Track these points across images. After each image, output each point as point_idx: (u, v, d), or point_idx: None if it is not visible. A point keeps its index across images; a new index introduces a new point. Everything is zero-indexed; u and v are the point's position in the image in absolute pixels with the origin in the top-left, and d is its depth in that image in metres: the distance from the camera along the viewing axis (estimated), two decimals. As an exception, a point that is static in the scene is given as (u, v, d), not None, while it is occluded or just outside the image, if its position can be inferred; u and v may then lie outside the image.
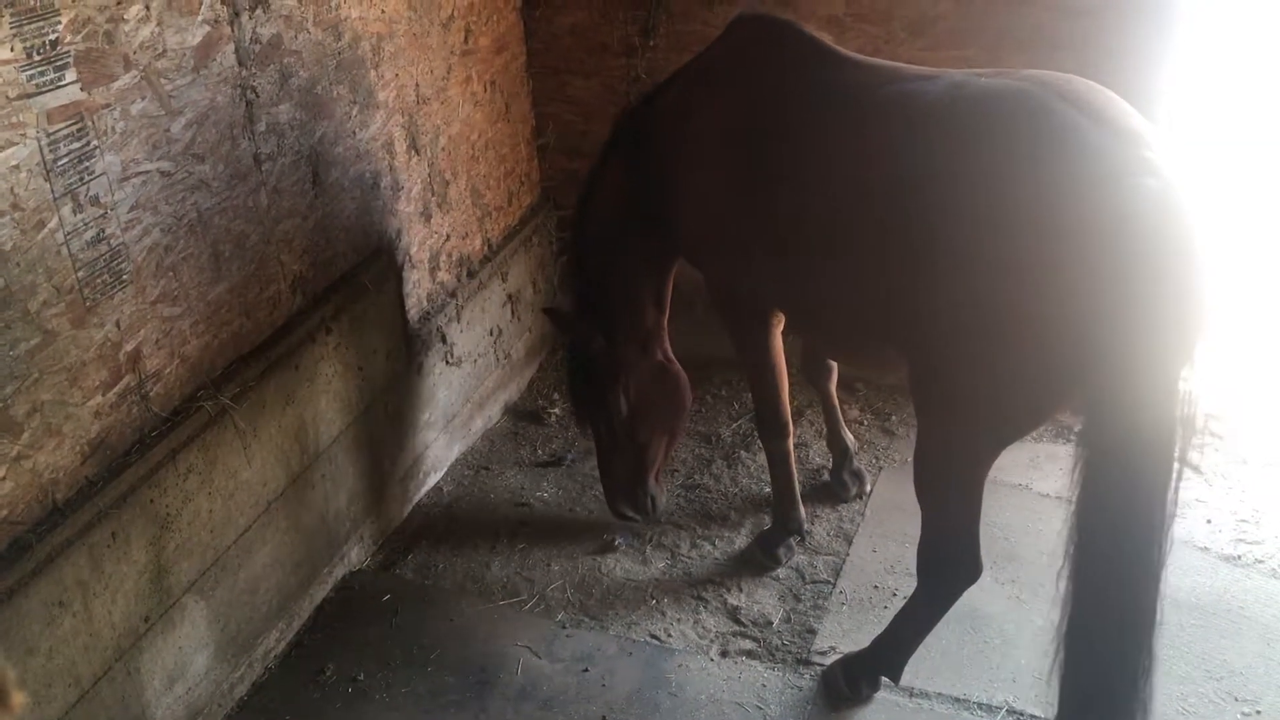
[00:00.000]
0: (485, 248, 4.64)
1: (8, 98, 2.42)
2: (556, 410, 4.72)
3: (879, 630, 3.26)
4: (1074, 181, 2.44)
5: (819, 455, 4.31)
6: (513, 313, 4.81)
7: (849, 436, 4.14)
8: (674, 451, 4.05)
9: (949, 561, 3.00)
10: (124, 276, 2.80)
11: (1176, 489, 2.55)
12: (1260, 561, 3.66)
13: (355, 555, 3.86)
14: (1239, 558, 3.68)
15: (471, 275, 4.52)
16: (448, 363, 4.33)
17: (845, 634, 3.48)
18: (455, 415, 4.43)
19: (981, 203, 2.54)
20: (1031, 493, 4.02)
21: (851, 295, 2.95)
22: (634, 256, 3.77)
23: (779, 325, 3.62)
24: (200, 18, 2.95)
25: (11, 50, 2.41)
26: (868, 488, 4.12)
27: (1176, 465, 2.54)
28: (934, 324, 2.68)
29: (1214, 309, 2.52)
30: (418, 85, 4.02)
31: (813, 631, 3.52)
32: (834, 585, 3.70)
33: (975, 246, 2.54)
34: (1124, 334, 2.41)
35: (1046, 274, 2.45)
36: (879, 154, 2.79)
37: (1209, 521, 3.84)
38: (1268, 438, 4.23)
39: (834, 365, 4.05)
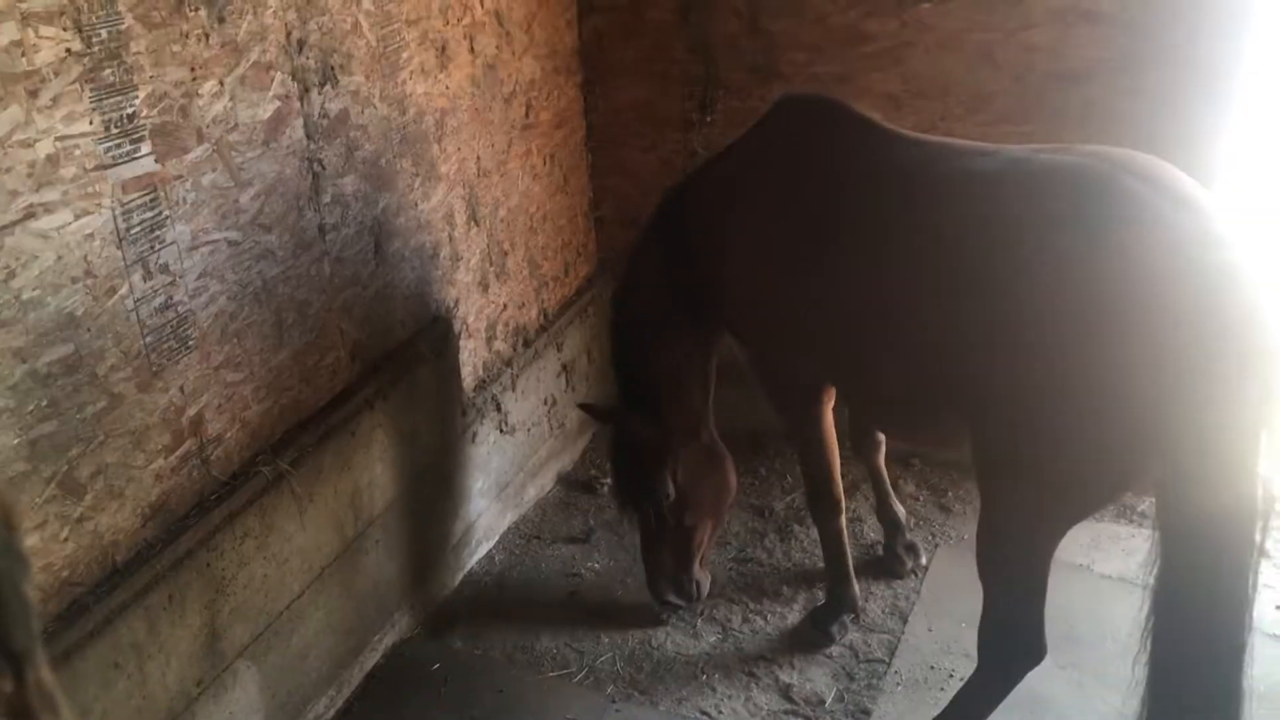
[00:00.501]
0: (541, 318, 4.69)
1: (85, 169, 2.50)
2: (609, 480, 4.71)
3: (935, 712, 3.18)
4: (1146, 256, 2.41)
5: (874, 530, 4.25)
6: (567, 382, 4.83)
7: (900, 509, 4.08)
8: (718, 535, 4.00)
9: (1012, 643, 2.92)
10: (189, 342, 2.87)
11: (1257, 571, 2.49)
12: (1333, 650, 3.54)
13: (406, 623, 3.86)
14: (1310, 645, 3.57)
15: (527, 345, 4.56)
16: (502, 431, 4.35)
17: (900, 715, 3.41)
18: (508, 484, 4.44)
19: (1051, 280, 2.51)
20: (1093, 574, 3.93)
21: (914, 375, 2.92)
22: (679, 338, 3.74)
23: (830, 401, 3.59)
24: (271, 93, 3.04)
25: (90, 124, 2.50)
26: (923, 562, 4.05)
27: (1257, 546, 2.48)
28: (1004, 403, 2.64)
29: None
30: (479, 159, 4.10)
31: (867, 712, 3.45)
32: (889, 665, 3.63)
33: (1046, 325, 2.51)
34: (1200, 412, 2.37)
35: (1119, 351, 2.41)
36: (939, 233, 2.76)
37: (1278, 607, 3.73)
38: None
39: (882, 438, 4.01)
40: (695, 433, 3.82)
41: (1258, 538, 2.49)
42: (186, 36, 2.74)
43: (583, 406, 4.01)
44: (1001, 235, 2.62)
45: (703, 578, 3.88)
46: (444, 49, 3.81)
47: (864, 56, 4.32)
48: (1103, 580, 3.90)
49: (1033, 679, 3.01)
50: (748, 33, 4.48)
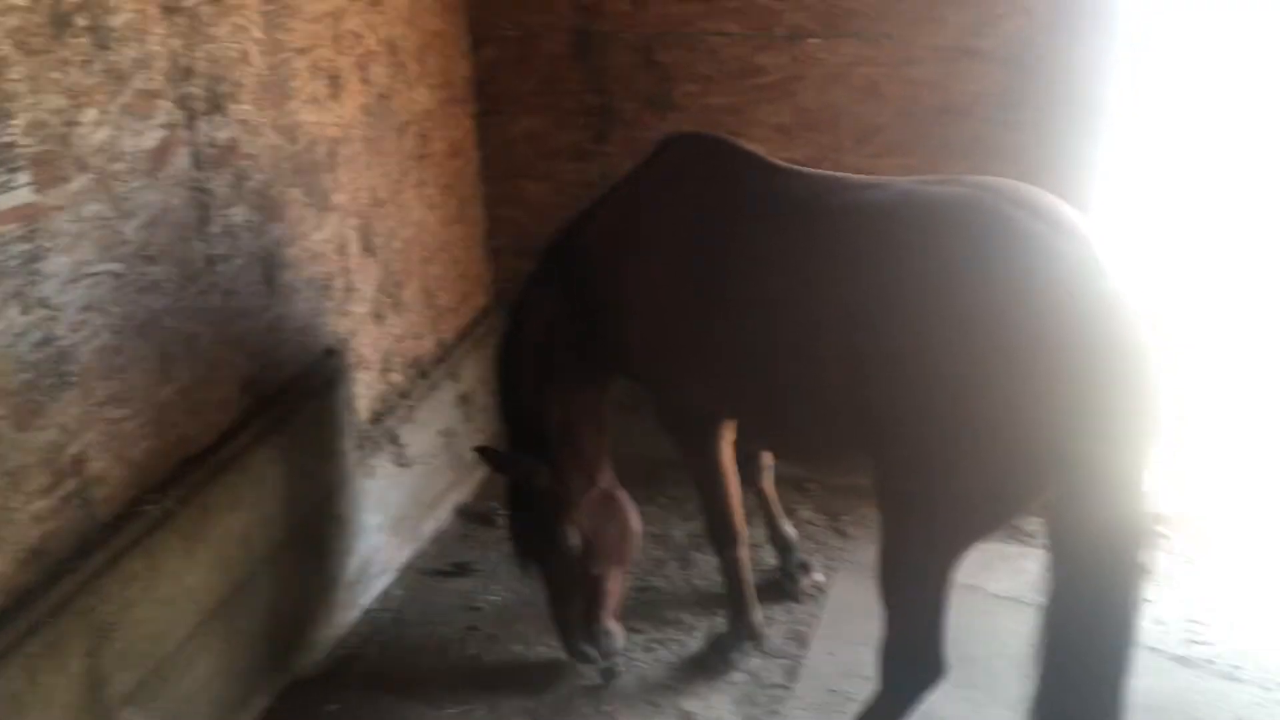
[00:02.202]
0: (438, 349, 4.64)
1: (-42, 199, 2.41)
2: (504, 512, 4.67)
3: (835, 735, 3.22)
4: (1032, 287, 2.49)
5: (773, 555, 4.29)
6: (465, 414, 4.79)
7: (790, 530, 4.14)
8: (627, 583, 3.83)
9: (912, 664, 2.97)
10: (70, 378, 2.76)
11: (1140, 589, 2.59)
12: (1210, 662, 3.68)
13: (300, 664, 3.76)
14: (1189, 658, 3.70)
15: (424, 376, 4.51)
16: (399, 464, 4.28)
17: (801, 740, 3.44)
18: (405, 518, 4.37)
19: (940, 313, 2.57)
20: (985, 593, 4.02)
21: (814, 408, 2.96)
22: (571, 383, 3.63)
23: (729, 435, 3.61)
24: (156, 121, 2.97)
25: (-36, 152, 2.41)
26: (817, 578, 4.10)
27: (1140, 565, 2.57)
28: (901, 434, 2.70)
29: (1168, 409, 2.57)
30: (373, 189, 4.06)
31: (769, 737, 3.47)
32: (790, 690, 3.65)
33: (938, 357, 2.57)
34: (1088, 438, 2.45)
35: (1009, 382, 2.48)
36: (832, 267, 2.81)
37: (1159, 623, 3.86)
38: (1215, 538, 4.29)
39: (769, 463, 4.05)
40: (593, 478, 3.69)
41: (1141, 557, 2.58)
42: (67, 63, 2.66)
43: (480, 450, 3.76)
44: (893, 269, 2.68)
45: (615, 629, 3.68)
46: (336, 78, 3.77)
47: (756, 89, 4.40)
48: (994, 599, 3.99)
49: (929, 698, 3.06)
50: (642, 65, 4.53)
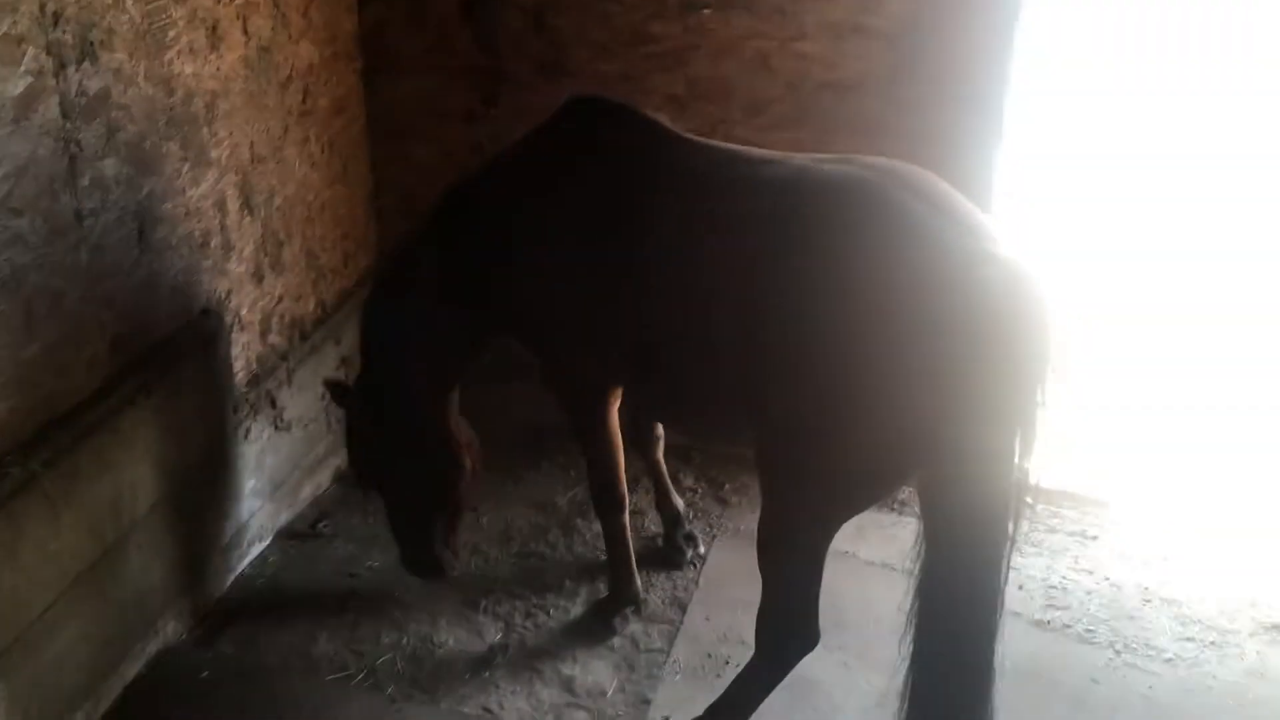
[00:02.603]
0: (319, 310, 4.54)
1: None
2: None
3: (712, 698, 3.29)
4: (912, 268, 2.55)
5: (654, 523, 4.34)
6: (346, 376, 4.70)
7: (679, 501, 4.20)
8: (461, 516, 3.98)
9: (788, 631, 3.06)
10: (-74, 335, 2.64)
11: (1009, 560, 2.69)
12: (1068, 626, 3.86)
13: (171, 630, 3.67)
14: (1049, 623, 3.87)
15: (304, 338, 4.41)
16: (277, 428, 4.20)
17: (680, 703, 3.49)
18: (283, 482, 4.29)
19: (824, 291, 2.63)
20: (858, 560, 4.14)
21: (699, 378, 3.00)
22: (441, 338, 3.65)
23: (616, 400, 3.64)
24: (23, 68, 2.83)
25: None
26: (702, 551, 4.17)
27: (1010, 538, 2.67)
28: (783, 407, 2.76)
29: (1049, 390, 2.65)
30: (253, 144, 3.94)
31: (647, 701, 3.52)
32: (668, 654, 3.71)
33: (818, 334, 2.63)
34: (960, 417, 2.54)
35: (887, 362, 2.55)
36: (725, 240, 2.85)
37: (1020, 588, 4.03)
38: (1074, 507, 4.48)
39: (661, 433, 4.09)
40: (445, 420, 3.80)
41: (1011, 530, 2.68)
42: (-76, 2, 2.52)
43: (328, 383, 3.86)
44: (781, 244, 2.72)
45: (450, 557, 3.89)
46: (215, 29, 3.64)
47: (648, 57, 4.39)
48: (867, 566, 4.11)
49: (803, 661, 3.15)
50: (533, 28, 4.47)
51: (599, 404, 3.60)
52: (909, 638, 2.79)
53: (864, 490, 2.86)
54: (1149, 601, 3.99)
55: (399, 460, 3.75)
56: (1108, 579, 4.10)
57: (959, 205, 2.70)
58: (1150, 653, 3.74)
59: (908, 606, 2.84)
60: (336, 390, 3.82)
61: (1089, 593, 4.03)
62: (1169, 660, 3.72)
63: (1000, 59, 4.07)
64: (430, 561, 3.87)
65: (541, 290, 3.38)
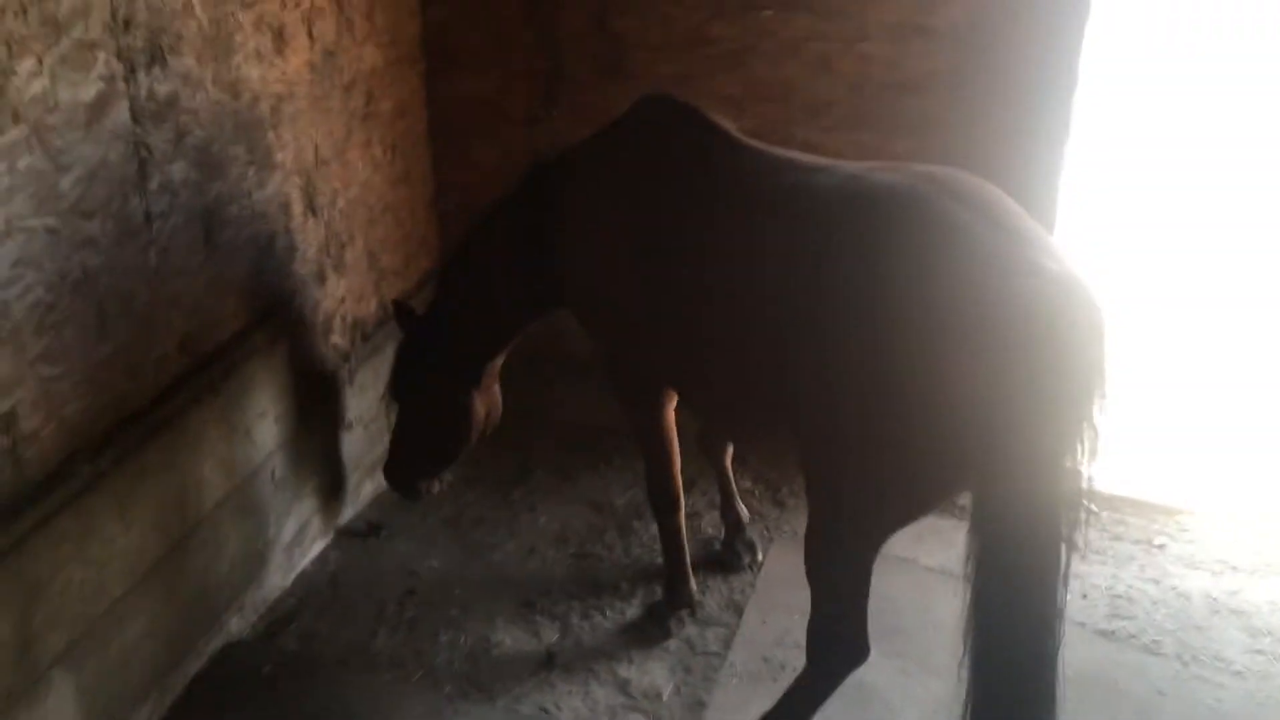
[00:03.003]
0: (381, 311, 4.59)
1: (-114, 148, 2.33)
2: (449, 478, 4.66)
3: (769, 703, 3.27)
4: (960, 282, 2.51)
5: (711, 525, 4.33)
6: (405, 377, 4.75)
7: (743, 509, 4.18)
8: (456, 460, 4.21)
9: (837, 643, 3.04)
10: (2, 334, 2.70)
11: (1068, 566, 2.64)
12: (1133, 636, 3.78)
13: (235, 626, 3.73)
14: (1113, 632, 3.80)
15: (366, 339, 4.46)
16: (339, 427, 4.25)
17: (735, 707, 3.48)
18: (344, 481, 4.34)
19: (870, 302, 2.60)
20: (919, 567, 4.09)
21: (745, 384, 3.00)
22: (501, 298, 3.80)
23: (672, 400, 3.64)
24: (95, 74, 2.89)
25: (-108, 100, 2.33)
26: (760, 557, 4.15)
27: (1066, 544, 2.62)
28: (826, 417, 2.74)
29: (1103, 400, 2.60)
30: (317, 147, 3.99)
31: (703, 704, 3.52)
32: (724, 658, 3.70)
33: (860, 344, 2.61)
34: (1008, 431, 2.48)
35: (929, 373, 2.51)
36: (772, 248, 2.84)
37: (1085, 597, 3.96)
38: (1139, 515, 4.40)
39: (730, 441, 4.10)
40: (478, 374, 3.98)
41: (1066, 537, 2.63)
42: (2, 11, 2.58)
43: (397, 303, 4.06)
44: (826, 256, 2.71)
45: (423, 489, 4.21)
46: (281, 33, 3.69)
47: (708, 59, 4.38)
48: (927, 572, 4.06)
49: (861, 669, 3.12)
50: (594, 30, 4.49)
51: (655, 401, 3.61)
52: (968, 651, 2.74)
53: (906, 503, 2.82)
54: (1217, 612, 3.90)
55: (422, 396, 4.01)
56: (1175, 588, 4.02)
57: (1010, 214, 2.66)
58: (1219, 664, 3.66)
59: (965, 620, 2.79)
60: (401, 311, 4.01)
61: (1155, 602, 3.95)
62: (1238, 672, 3.63)
63: (1068, 57, 4.00)
64: (405, 484, 4.17)
65: (598, 276, 3.44)
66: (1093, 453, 2.57)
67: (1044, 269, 2.51)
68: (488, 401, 4.09)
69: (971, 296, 2.49)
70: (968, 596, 2.71)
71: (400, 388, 4.08)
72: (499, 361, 4.05)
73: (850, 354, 2.64)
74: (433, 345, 3.93)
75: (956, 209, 2.62)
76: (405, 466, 4.15)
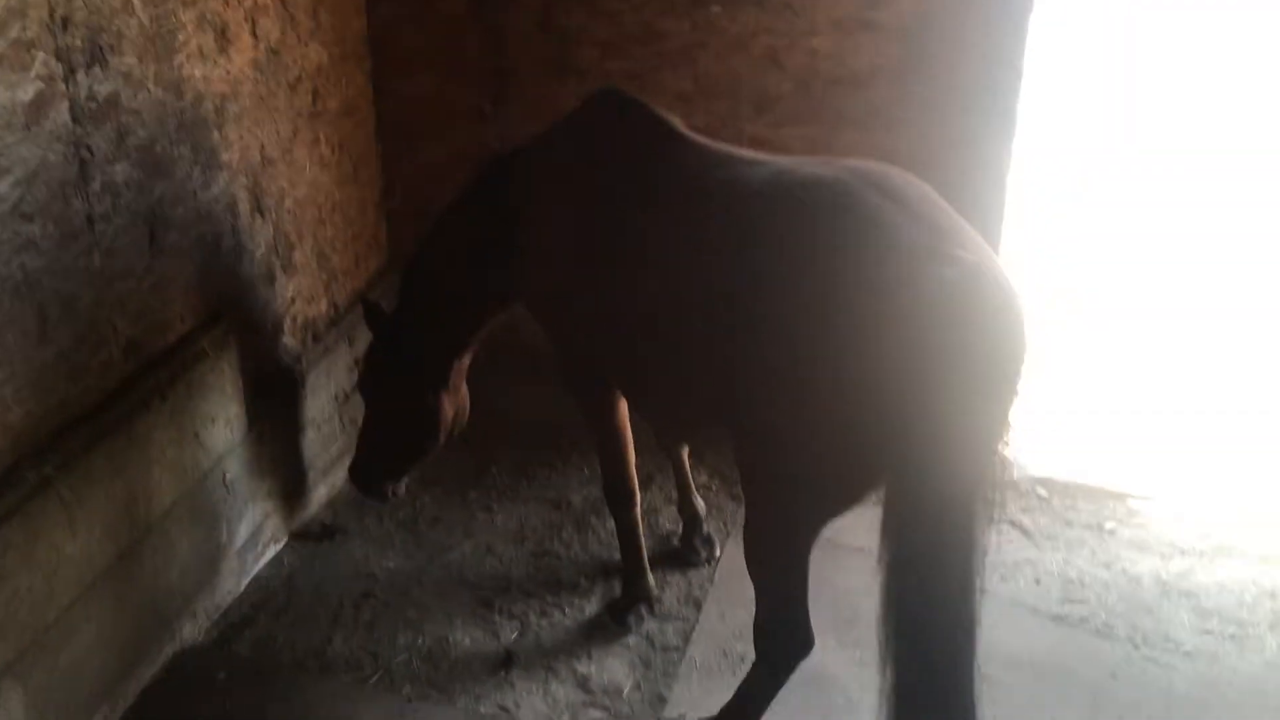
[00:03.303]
0: (332, 311, 4.55)
1: None
2: (407, 479, 4.62)
3: (728, 696, 3.28)
4: (870, 269, 2.53)
5: (669, 521, 4.33)
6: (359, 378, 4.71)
7: (699, 503, 4.19)
8: (416, 464, 4.18)
9: (781, 635, 3.05)
10: (-60, 340, 2.65)
11: (981, 558, 2.63)
12: (1085, 620, 3.83)
13: (188, 632, 3.68)
14: (1066, 617, 3.85)
15: (317, 340, 4.42)
16: (290, 429, 4.21)
17: (695, 700, 3.49)
18: (297, 484, 4.29)
19: (786, 291, 2.63)
20: (872, 555, 4.10)
21: (678, 378, 3.02)
22: (463, 293, 3.80)
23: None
24: (33, 74, 2.84)
25: None
26: (717, 552, 4.16)
27: (981, 536, 2.61)
28: (746, 409, 2.77)
29: (1014, 390, 2.61)
30: (263, 147, 3.95)
31: (663, 699, 3.52)
32: (684, 652, 3.71)
33: (781, 335, 2.63)
34: (922, 419, 2.48)
35: (844, 362, 2.53)
36: (698, 241, 2.86)
37: (1038, 582, 4.01)
38: (1089, 500, 4.46)
39: None
40: (445, 374, 3.97)
41: (979, 521, 2.62)
42: (-66, 9, 2.53)
43: (366, 302, 4.00)
44: (748, 247, 2.73)
45: (388, 487, 4.17)
46: (224, 31, 3.65)
47: (657, 55, 4.38)
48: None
49: (818, 657, 3.14)
50: (541, 27, 4.48)
51: (606, 396, 3.61)
52: (887, 633, 2.69)
53: (832, 494, 2.81)
54: (1167, 594, 3.96)
55: (391, 396, 3.99)
56: (1125, 572, 4.08)
57: (932, 208, 2.68)
58: (1169, 646, 3.72)
59: (882, 605, 2.70)
60: (370, 310, 3.96)
61: (1106, 586, 4.00)
62: (1188, 653, 3.69)
63: (1013, 51, 4.05)
64: (371, 485, 4.14)
65: (545, 269, 3.46)
66: (1004, 439, 2.58)
67: (959, 260, 2.51)
68: (455, 402, 4.07)
69: (884, 285, 2.50)
70: (883, 583, 2.66)
71: (368, 388, 4.07)
72: (466, 360, 4.04)
73: (766, 344, 2.66)
74: (399, 345, 3.91)
75: (877, 200, 2.63)
76: (372, 467, 4.13)
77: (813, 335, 2.57)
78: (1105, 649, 3.71)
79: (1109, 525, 4.33)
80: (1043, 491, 4.50)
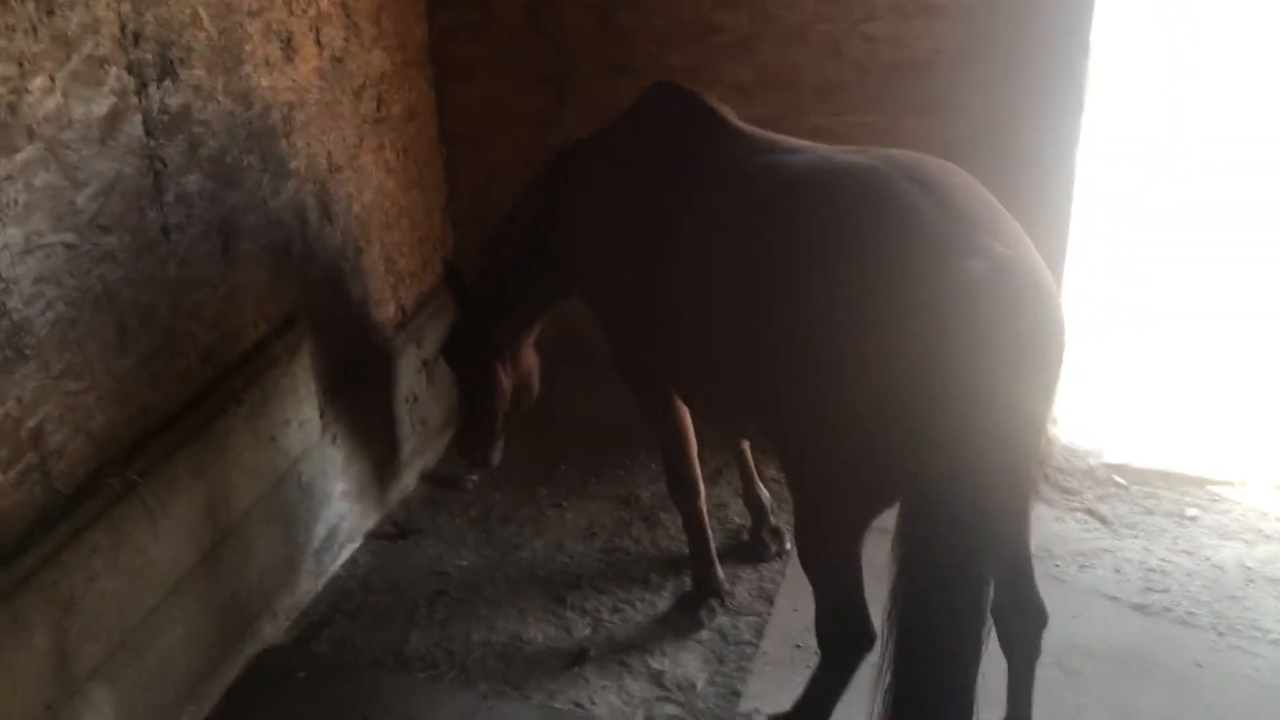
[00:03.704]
0: (399, 314, 4.61)
1: (-96, 170, 2.36)
2: (475, 477, 4.67)
3: (801, 690, 3.26)
4: (898, 262, 2.47)
5: (738, 515, 4.33)
6: (428, 379, 4.77)
7: (764, 493, 4.17)
8: (505, 424, 4.39)
9: (840, 633, 2.98)
10: (26, 351, 2.73)
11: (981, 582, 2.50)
12: (1168, 609, 3.75)
13: (268, 632, 3.75)
14: (1147, 606, 3.77)
15: (386, 342, 4.48)
16: (363, 431, 4.27)
17: (769, 695, 3.48)
18: (370, 485, 4.36)
19: (813, 280, 2.59)
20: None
21: (717, 372, 3.00)
22: (516, 284, 3.99)
23: None
24: (107, 88, 2.92)
25: (-91, 122, 2.36)
26: (787, 545, 4.14)
27: (1009, 536, 2.53)
28: (777, 400, 2.74)
29: (1046, 385, 2.52)
30: (329, 154, 4.01)
31: (737, 693, 3.51)
32: (757, 646, 3.70)
33: (810, 325, 2.58)
34: (939, 417, 2.39)
35: (866, 353, 2.47)
36: (731, 229, 2.86)
37: (1118, 571, 3.94)
38: (1169, 487, 4.36)
39: None
40: (518, 342, 4.22)
41: (1011, 514, 2.55)
42: (13, 30, 2.61)
43: (449, 265, 4.35)
44: (779, 235, 2.70)
45: (494, 454, 4.41)
46: (289, 41, 3.71)
47: (715, 48, 4.37)
48: (956, 553, 4.04)
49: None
50: (600, 27, 4.49)
51: (665, 389, 3.62)
52: (897, 615, 2.57)
53: (866, 488, 2.72)
54: (1252, 581, 3.87)
55: (464, 360, 4.25)
56: (1208, 559, 3.99)
57: (968, 198, 2.60)
58: (1255, 634, 3.63)
59: (891, 597, 2.59)
60: (450, 274, 4.21)
61: (1189, 574, 3.92)
62: (1275, 641, 3.60)
63: (1078, 29, 3.98)
64: (472, 450, 4.39)
65: (595, 258, 3.53)
66: (1043, 436, 2.46)
67: (989, 251, 2.43)
68: (518, 374, 4.28)
69: (908, 276, 2.44)
70: (895, 576, 2.55)
71: (448, 354, 4.31)
72: (531, 338, 4.27)
73: (790, 332, 2.62)
74: (469, 314, 4.14)
75: (909, 189, 2.56)
76: (463, 434, 4.45)
77: (834, 324, 2.52)
78: (1189, 638, 3.63)
79: (1190, 512, 4.24)
80: (1121, 479, 4.42)
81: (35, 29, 2.67)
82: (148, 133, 3.09)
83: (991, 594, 2.53)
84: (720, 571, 3.87)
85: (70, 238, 2.84)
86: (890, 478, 2.63)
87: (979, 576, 2.48)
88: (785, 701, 3.32)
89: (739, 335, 2.79)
